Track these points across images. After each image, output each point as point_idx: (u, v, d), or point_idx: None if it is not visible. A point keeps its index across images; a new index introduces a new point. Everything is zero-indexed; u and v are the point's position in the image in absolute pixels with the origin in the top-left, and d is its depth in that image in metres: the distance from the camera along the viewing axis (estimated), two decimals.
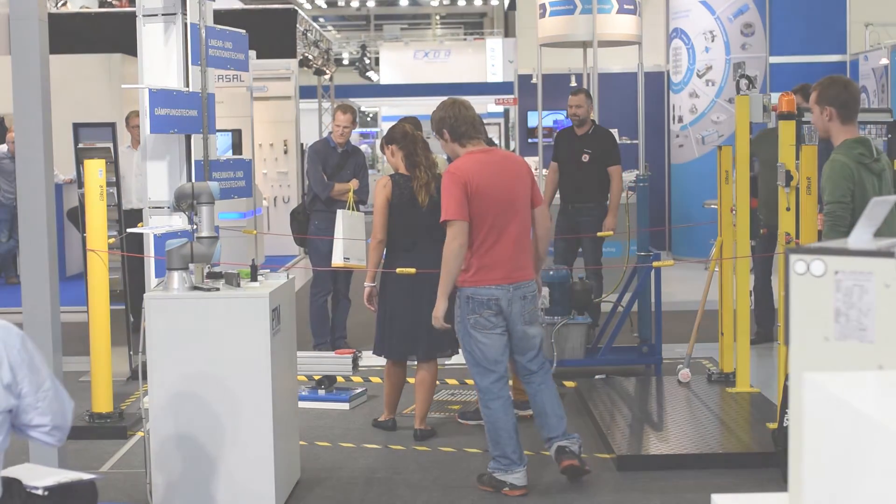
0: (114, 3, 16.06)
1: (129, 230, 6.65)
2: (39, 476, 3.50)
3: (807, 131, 6.14)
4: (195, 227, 5.45)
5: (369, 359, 7.24)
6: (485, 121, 7.16)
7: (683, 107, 13.65)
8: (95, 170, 6.56)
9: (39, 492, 3.38)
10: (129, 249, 7.39)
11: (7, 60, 5.58)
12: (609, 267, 9.06)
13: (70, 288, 9.50)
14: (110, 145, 7.82)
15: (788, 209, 5.82)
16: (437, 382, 6.70)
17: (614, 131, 10.27)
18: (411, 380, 6.66)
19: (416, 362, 6.43)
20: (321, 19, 39.14)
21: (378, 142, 22.91)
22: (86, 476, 3.62)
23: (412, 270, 6.21)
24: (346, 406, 7.02)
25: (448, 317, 5.39)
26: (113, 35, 12.98)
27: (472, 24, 43.66)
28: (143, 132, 6.38)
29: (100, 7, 16.04)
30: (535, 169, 12.69)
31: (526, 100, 14.83)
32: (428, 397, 6.40)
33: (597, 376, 7.47)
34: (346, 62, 39.75)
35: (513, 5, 23.32)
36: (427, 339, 6.23)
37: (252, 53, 11.01)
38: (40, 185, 5.51)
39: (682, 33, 13.58)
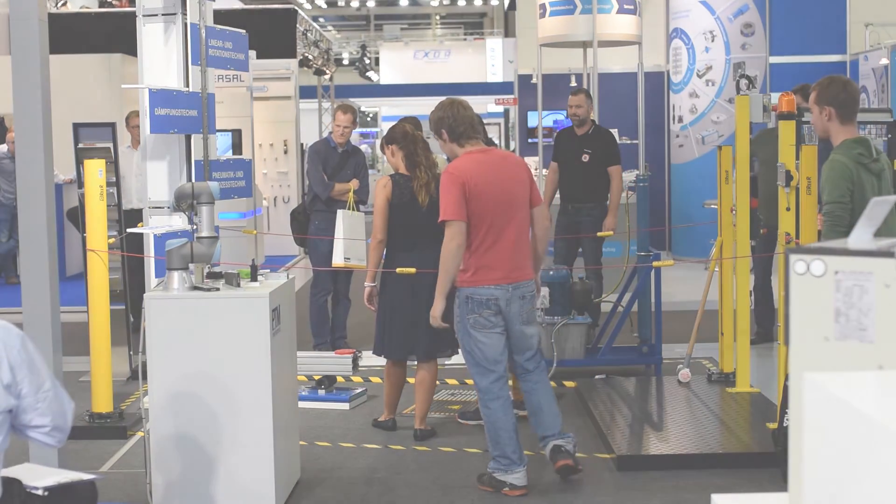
0: (114, 3, 16.06)
1: (129, 230, 6.65)
2: (39, 476, 3.50)
3: (807, 131, 6.15)
4: (195, 227, 5.45)
5: (369, 359, 7.24)
6: (485, 121, 7.16)
7: (683, 107, 13.65)
8: (95, 170, 6.56)
9: (39, 492, 3.39)
10: (129, 249, 7.39)
11: (7, 60, 5.58)
12: (609, 267, 9.06)
13: (70, 288, 9.50)
14: (110, 145, 7.82)
15: (788, 209, 5.82)
16: (437, 382, 6.69)
17: (614, 131, 10.27)
18: (411, 380, 6.66)
19: (416, 362, 6.43)
20: (321, 19, 39.14)
21: (378, 142, 22.91)
22: (86, 476, 3.62)
23: (412, 270, 6.21)
24: (346, 406, 7.02)
25: (446, 316, 5.40)
26: (113, 35, 12.98)
27: (472, 24, 43.67)
28: (143, 132, 6.37)
29: (100, 7, 16.04)
30: (535, 169, 12.70)
31: (526, 100, 14.83)
32: (428, 397, 6.40)
33: (597, 376, 7.47)
34: (346, 62, 39.75)
35: (513, 5, 23.32)
36: (427, 339, 6.23)
37: (252, 53, 11.02)
38: (40, 185, 5.51)
39: (682, 33, 13.58)
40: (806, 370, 1.78)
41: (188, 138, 6.44)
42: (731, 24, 13.09)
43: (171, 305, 4.92)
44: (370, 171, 10.35)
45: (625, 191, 8.75)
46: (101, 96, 12.89)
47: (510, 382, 6.70)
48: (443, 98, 5.66)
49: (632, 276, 8.14)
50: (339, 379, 7.33)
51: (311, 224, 8.45)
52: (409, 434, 6.36)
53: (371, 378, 7.71)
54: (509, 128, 28.08)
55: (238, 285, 5.06)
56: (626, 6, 11.94)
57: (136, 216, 7.62)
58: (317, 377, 7.16)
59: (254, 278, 5.19)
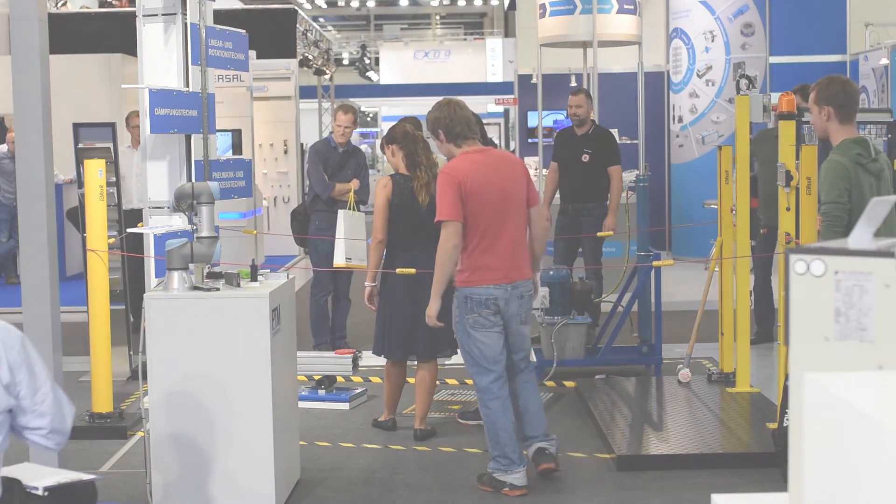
0: (114, 3, 16.06)
1: (129, 230, 6.65)
2: (39, 476, 3.50)
3: (807, 131, 6.15)
4: (195, 227, 5.45)
5: (369, 359, 7.24)
6: (485, 121, 7.17)
7: (683, 107, 13.66)
8: (95, 170, 6.56)
9: (39, 492, 3.38)
10: (129, 249, 7.39)
11: (7, 60, 5.58)
12: (609, 267, 9.06)
13: (70, 288, 9.50)
14: (110, 145, 7.82)
15: (788, 209, 5.82)
16: (437, 382, 6.69)
17: (614, 131, 10.27)
18: (411, 380, 6.66)
19: (416, 362, 6.43)
20: (321, 19, 39.13)
21: (378, 142, 22.90)
22: (86, 476, 3.62)
23: (412, 271, 6.21)
24: (346, 406, 7.02)
25: (442, 316, 5.40)
26: (113, 35, 12.98)
27: (472, 24, 43.66)
28: (143, 132, 6.38)
29: (100, 7, 16.03)
30: (535, 169, 12.70)
31: (526, 100, 14.83)
32: (428, 397, 6.40)
33: (597, 376, 7.47)
34: (346, 62, 39.75)
35: (513, 5, 23.32)
36: (427, 339, 6.23)
37: (252, 53, 11.02)
38: (40, 185, 5.51)
39: (682, 33, 13.58)
40: (806, 370, 1.78)
41: (188, 138, 6.44)
42: (731, 24, 13.09)
43: (171, 305, 4.92)
44: (370, 171, 10.35)
45: (625, 191, 8.75)
46: (101, 96, 12.89)
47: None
48: (442, 98, 5.66)
49: (632, 276, 8.14)
50: (339, 379, 7.33)
51: (312, 224, 8.45)
52: (409, 434, 6.36)
53: (371, 378, 7.71)
54: (509, 128, 28.08)
55: (238, 285, 5.06)
56: (626, 6, 11.94)
57: (136, 216, 7.62)
58: (317, 377, 7.16)
59: (254, 278, 5.19)
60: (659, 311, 7.69)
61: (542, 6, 12.18)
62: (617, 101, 13.36)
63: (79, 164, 7.34)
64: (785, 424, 5.06)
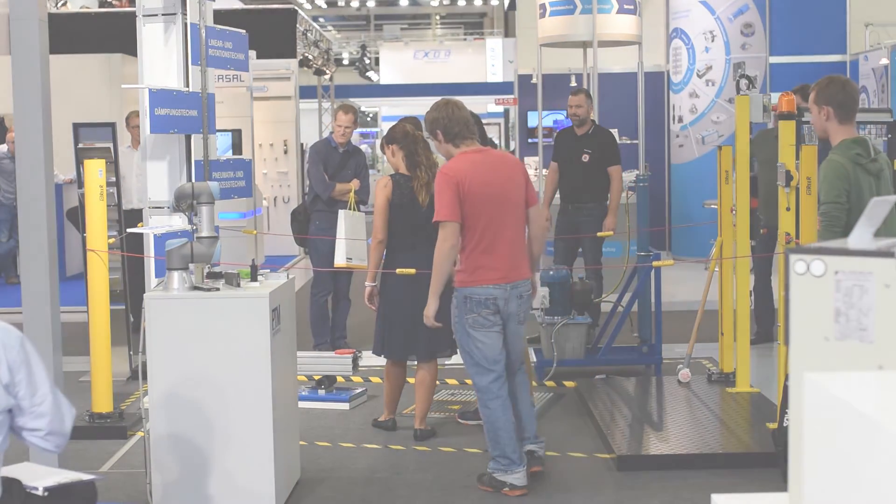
0: (114, 3, 16.06)
1: (129, 230, 6.65)
2: (39, 476, 3.50)
3: (807, 131, 6.14)
4: (195, 227, 5.45)
5: (369, 359, 7.24)
6: (485, 121, 7.17)
7: (683, 107, 13.65)
8: (95, 170, 6.56)
9: (39, 492, 3.38)
10: (129, 249, 7.39)
11: (7, 60, 5.58)
12: (609, 267, 9.06)
13: (70, 288, 9.50)
14: (110, 145, 7.82)
15: (788, 209, 5.82)
16: (437, 382, 6.69)
17: (614, 131, 10.27)
18: (411, 380, 6.65)
19: (416, 362, 6.43)
20: (321, 19, 39.14)
21: (378, 142, 22.90)
22: (85, 476, 3.62)
23: (412, 271, 6.21)
24: (346, 406, 7.02)
25: (440, 316, 5.40)
26: (113, 35, 12.97)
27: (472, 24, 43.66)
28: (143, 132, 6.38)
29: (100, 7, 16.04)
30: (535, 169, 12.69)
31: (526, 100, 14.83)
32: (428, 397, 6.40)
33: (597, 376, 7.47)
34: (346, 62, 39.75)
35: (513, 5, 23.32)
36: (427, 339, 6.23)
37: (252, 53, 11.02)
38: (40, 185, 5.51)
39: (682, 33, 13.58)
40: (806, 370, 1.78)
41: (188, 138, 6.44)
42: (731, 24, 13.09)
43: (171, 305, 4.92)
44: (370, 171, 10.35)
45: (625, 191, 8.75)
46: (101, 96, 12.89)
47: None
48: (447, 97, 5.66)
49: (632, 276, 8.14)
50: (339, 379, 7.33)
51: (312, 224, 8.45)
52: (409, 434, 6.36)
53: (371, 378, 7.71)
54: (509, 128, 28.08)
55: (238, 285, 5.06)
56: (626, 6, 11.93)
57: (136, 216, 7.62)
58: (317, 377, 7.16)
59: (254, 278, 5.19)
60: (659, 311, 7.69)
61: (542, 6, 12.18)
62: (617, 101, 13.36)
63: (79, 164, 7.34)
64: (785, 424, 5.06)
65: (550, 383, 7.52)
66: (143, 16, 6.41)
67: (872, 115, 7.29)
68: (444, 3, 39.08)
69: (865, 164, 5.06)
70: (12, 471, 3.47)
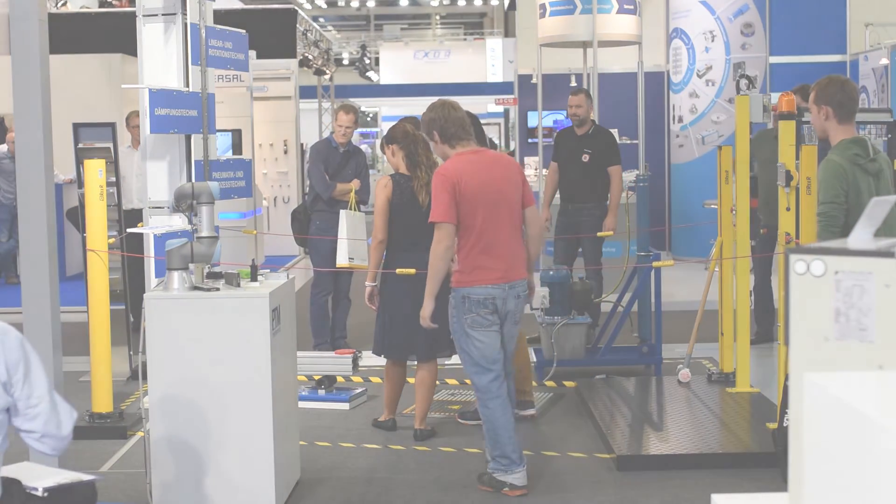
0: (114, 3, 16.06)
1: (129, 230, 6.65)
2: (39, 476, 3.49)
3: (807, 131, 6.14)
4: (195, 227, 5.45)
5: (369, 359, 7.24)
6: (485, 121, 7.17)
7: (683, 107, 13.65)
8: (95, 170, 6.56)
9: (39, 493, 3.38)
10: (129, 249, 7.39)
11: (7, 60, 5.58)
12: (609, 267, 9.06)
13: (70, 288, 9.51)
14: (110, 145, 7.82)
15: (788, 209, 5.82)
16: (437, 382, 6.69)
17: (614, 131, 10.26)
18: (411, 380, 6.66)
19: (416, 362, 6.43)
20: (321, 19, 39.14)
21: (378, 142, 22.91)
22: (86, 476, 3.61)
23: (412, 271, 6.21)
24: (346, 406, 7.02)
25: (437, 317, 5.40)
26: (113, 35, 12.98)
27: (472, 24, 43.66)
28: (143, 132, 6.38)
29: (100, 7, 16.04)
30: (535, 169, 12.69)
31: (526, 100, 14.83)
32: (428, 397, 6.40)
33: (597, 376, 7.47)
34: (346, 62, 39.74)
35: (513, 5, 23.31)
36: (427, 339, 6.23)
37: (252, 53, 11.02)
38: (40, 185, 5.51)
39: (682, 33, 13.58)
40: (806, 370, 1.78)
41: (188, 138, 6.44)
42: (731, 24, 13.09)
43: (171, 305, 4.92)
44: (370, 171, 10.35)
45: (625, 191, 8.75)
46: (101, 96, 12.89)
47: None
48: (443, 98, 5.66)
49: (632, 276, 8.14)
50: (339, 379, 7.33)
51: (312, 224, 8.45)
52: (409, 434, 6.36)
53: (371, 378, 7.71)
54: (509, 128, 28.08)
55: (238, 285, 5.06)
56: (626, 6, 11.93)
57: (136, 216, 7.62)
58: (317, 377, 7.16)
59: (254, 278, 5.19)
60: (659, 311, 7.69)
61: (542, 6, 12.18)
62: (617, 101, 13.36)
63: (79, 164, 7.34)
64: (785, 424, 5.06)
65: (550, 383, 7.52)
66: (143, 16, 6.42)
67: (872, 115, 7.29)
68: (444, 3, 39.08)
69: (864, 164, 5.06)
70: (12, 471, 3.47)
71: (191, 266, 5.03)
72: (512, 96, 16.39)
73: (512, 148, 19.19)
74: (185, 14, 6.30)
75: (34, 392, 3.19)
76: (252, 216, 13.40)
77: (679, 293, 10.32)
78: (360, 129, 30.20)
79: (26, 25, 5.45)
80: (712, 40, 13.20)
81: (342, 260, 7.78)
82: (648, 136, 13.21)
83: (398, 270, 6.28)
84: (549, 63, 12.82)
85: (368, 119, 39.75)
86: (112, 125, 8.00)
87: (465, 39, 40.03)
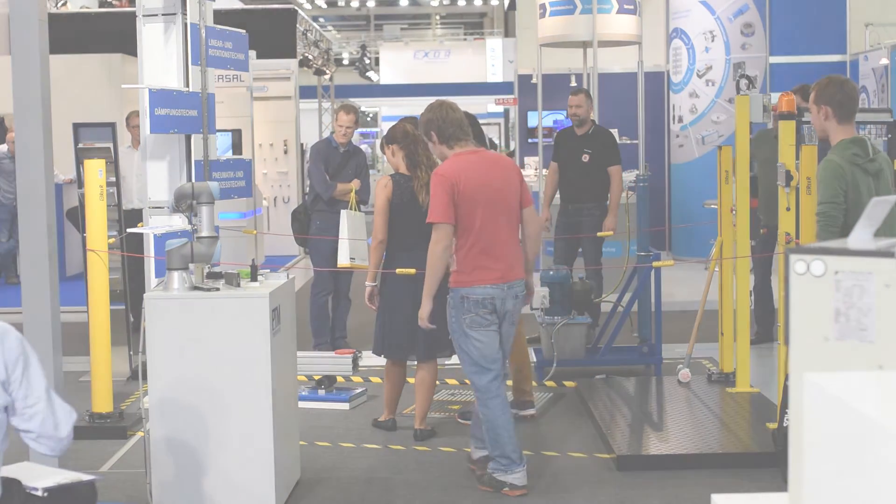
0: (114, 3, 16.07)
1: (129, 230, 6.65)
2: (39, 476, 3.49)
3: (807, 131, 6.14)
4: (195, 227, 5.45)
5: (369, 359, 7.24)
6: (485, 121, 7.17)
7: (683, 107, 13.65)
8: (95, 170, 6.56)
9: (39, 493, 3.38)
10: (129, 249, 7.39)
11: (7, 60, 5.58)
12: (609, 267, 9.06)
13: (70, 288, 9.50)
14: (110, 145, 7.82)
15: (788, 209, 5.82)
16: (437, 382, 6.69)
17: (614, 131, 10.27)
18: (411, 380, 6.66)
19: (416, 362, 6.43)
20: (321, 19, 39.14)
21: (378, 142, 22.91)
22: (86, 476, 3.61)
23: (412, 271, 6.21)
24: (346, 406, 7.02)
25: (435, 317, 5.40)
26: (113, 35, 12.98)
27: (472, 24, 43.66)
28: (144, 132, 6.38)
29: (100, 7, 16.04)
30: (535, 169, 12.69)
31: (526, 100, 14.83)
32: (428, 397, 6.40)
33: (597, 376, 7.47)
34: (346, 62, 39.75)
35: (513, 5, 23.31)
36: (427, 339, 6.23)
37: (252, 53, 11.02)
38: (40, 185, 5.51)
39: (682, 33, 13.58)
40: (806, 370, 1.78)
41: (188, 138, 6.44)
42: (731, 24, 13.08)
43: (171, 305, 4.92)
44: (370, 171, 10.35)
45: (625, 191, 8.75)
46: (101, 96, 12.89)
47: (509, 383, 6.72)
48: (441, 98, 5.66)
49: (632, 276, 8.14)
50: (339, 379, 7.33)
51: (313, 224, 8.45)
52: (409, 434, 6.36)
53: (371, 378, 7.71)
54: (509, 128, 28.08)
55: (238, 285, 5.06)
56: (626, 6, 11.93)
57: (136, 216, 7.62)
58: (317, 377, 7.16)
59: (254, 278, 5.19)
60: (659, 311, 7.69)
61: (542, 6, 12.18)
62: (617, 101, 13.36)
63: (79, 164, 7.34)
64: (785, 424, 5.06)
65: (550, 383, 7.52)
66: (143, 16, 6.42)
67: (872, 115, 7.29)
68: (444, 3, 39.07)
69: (863, 164, 5.06)
70: (12, 471, 3.47)
71: (191, 266, 5.03)
72: (512, 96, 16.39)
73: (512, 148, 19.19)
74: (185, 14, 6.30)
75: (31, 392, 3.19)
76: (252, 216, 13.41)
77: (679, 293, 10.32)
78: (360, 129, 30.19)
79: (26, 25, 5.45)
80: (712, 40, 13.20)
81: (343, 260, 7.78)
82: (648, 136, 13.21)
83: (398, 270, 6.28)
84: (549, 63, 12.83)
85: (368, 119, 39.75)
86: (112, 125, 8.00)
87: (465, 39, 40.04)
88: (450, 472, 5.72)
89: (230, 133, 13.49)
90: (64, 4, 15.77)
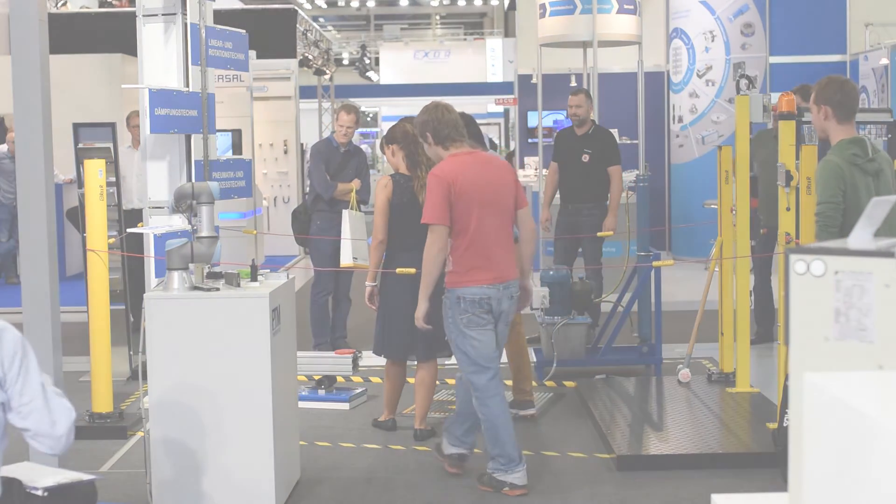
0: (114, 3, 16.07)
1: (129, 230, 6.65)
2: (39, 476, 3.49)
3: (807, 131, 6.14)
4: (194, 227, 5.45)
5: (369, 359, 7.24)
6: (485, 121, 7.17)
7: (683, 107, 13.65)
8: (95, 170, 6.56)
9: (39, 492, 3.38)
10: (129, 249, 7.39)
11: (7, 60, 5.58)
12: (609, 267, 9.06)
13: (70, 288, 9.50)
14: (110, 145, 7.82)
15: (788, 209, 5.82)
16: (437, 382, 6.69)
17: (614, 131, 10.26)
18: (411, 380, 6.66)
19: (416, 362, 6.43)
20: (321, 19, 39.13)
21: (378, 142, 22.91)
22: (86, 476, 3.61)
23: (412, 271, 6.21)
24: (346, 406, 7.02)
25: (433, 317, 5.41)
26: (113, 35, 12.98)
27: (472, 24, 43.66)
28: (144, 132, 6.38)
29: (100, 7, 16.04)
30: (535, 169, 12.68)
31: (526, 100, 14.83)
32: (428, 397, 6.40)
33: (597, 376, 7.47)
34: (346, 62, 39.74)
35: (513, 5, 23.31)
36: (427, 339, 6.22)
37: (252, 53, 11.02)
38: (40, 185, 5.51)
39: (682, 33, 13.58)
40: (806, 370, 1.78)
41: (188, 138, 6.45)
42: (731, 24, 13.09)
43: (171, 305, 4.92)
44: (370, 171, 10.35)
45: (625, 191, 8.75)
46: (101, 96, 12.89)
47: (509, 382, 6.72)
48: (441, 99, 5.67)
49: (632, 276, 8.14)
50: (339, 379, 7.33)
51: (313, 224, 8.45)
52: (409, 434, 6.36)
53: (371, 378, 7.71)
54: (509, 128, 28.07)
55: (238, 285, 5.06)
56: (626, 6, 11.93)
57: (136, 216, 7.62)
58: (317, 377, 7.16)
59: (254, 278, 5.19)
60: (659, 311, 7.69)
61: (542, 6, 12.18)
62: (617, 101, 13.36)
63: (79, 164, 7.34)
64: (785, 424, 5.06)
65: (550, 383, 7.52)
66: (143, 16, 6.42)
67: (872, 115, 7.29)
68: (444, 3, 39.07)
69: (862, 164, 5.06)
70: (12, 471, 3.47)
71: (191, 266, 5.03)
72: (512, 96, 16.39)
73: (512, 148, 19.19)
74: (185, 14, 6.31)
75: (26, 389, 3.18)
76: (252, 216, 13.41)
77: (679, 293, 10.32)
78: (360, 129, 30.18)
79: (26, 25, 5.45)
80: (712, 40, 13.20)
81: (347, 260, 7.78)
82: (648, 136, 13.21)
83: (398, 270, 6.28)
84: (549, 63, 12.82)
85: (368, 119, 39.75)
86: (112, 125, 8.00)
87: (465, 39, 40.03)
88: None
89: (230, 133, 13.49)
90: (64, 4, 15.76)
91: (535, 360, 7.59)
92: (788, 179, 5.79)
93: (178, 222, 6.03)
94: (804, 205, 5.66)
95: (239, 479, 4.90)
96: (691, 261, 12.35)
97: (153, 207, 6.44)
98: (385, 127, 30.25)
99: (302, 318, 6.97)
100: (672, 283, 10.08)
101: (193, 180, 6.21)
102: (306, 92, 18.75)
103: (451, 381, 7.69)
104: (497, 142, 27.50)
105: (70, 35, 13.37)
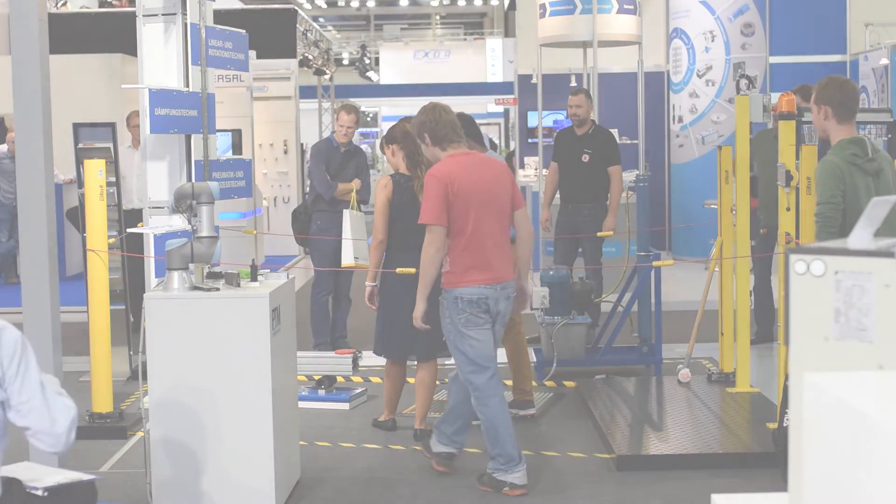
0: (114, 3, 16.07)
1: (129, 230, 6.65)
2: (39, 476, 3.49)
3: (807, 131, 6.15)
4: (194, 227, 5.45)
5: (369, 359, 7.24)
6: (485, 121, 7.17)
7: (683, 107, 13.65)
8: (95, 170, 6.56)
9: (39, 492, 3.38)
10: (129, 249, 7.39)
11: (7, 60, 5.58)
12: (609, 267, 9.06)
13: (70, 288, 9.50)
14: (110, 145, 7.82)
15: (788, 209, 5.82)
16: (437, 382, 6.69)
17: (614, 131, 10.27)
18: (411, 380, 6.66)
19: (416, 362, 6.43)
20: (321, 19, 39.14)
21: (378, 142, 22.90)
22: (86, 476, 3.61)
23: (412, 270, 6.20)
24: (346, 406, 7.02)
25: (432, 317, 5.41)
26: (113, 35, 12.98)
27: (472, 24, 43.66)
28: (144, 132, 6.37)
29: (100, 7, 16.04)
30: (535, 169, 12.68)
31: (526, 100, 14.83)
32: (428, 397, 6.40)
33: (597, 376, 7.47)
34: (346, 62, 39.74)
35: (513, 5, 23.31)
36: (427, 339, 6.22)
37: (252, 53, 11.02)
38: (40, 185, 5.51)
39: (682, 33, 13.58)
40: (806, 370, 1.78)
41: (188, 138, 6.44)
42: (731, 24, 13.09)
43: (171, 305, 4.92)
44: (371, 171, 10.35)
45: (625, 191, 8.75)
46: (101, 96, 12.89)
47: (509, 383, 6.72)
48: (443, 98, 5.68)
49: (632, 276, 8.14)
50: (339, 379, 7.33)
51: (313, 224, 8.45)
52: (409, 434, 6.36)
53: (371, 378, 7.71)
54: (509, 128, 28.07)
55: (238, 285, 5.06)
56: (626, 6, 11.92)
57: (136, 216, 7.62)
58: (317, 377, 7.16)
59: (254, 278, 5.19)
60: (659, 311, 7.69)
61: (542, 6, 12.17)
62: (617, 101, 13.36)
63: (79, 164, 7.34)
64: (785, 424, 5.06)
65: (550, 383, 7.52)
66: (143, 16, 6.41)
67: (872, 115, 7.29)
68: (444, 3, 39.07)
69: (862, 164, 5.06)
70: (12, 471, 3.47)
71: (191, 266, 5.03)
72: (512, 96, 16.39)
73: (512, 148, 19.19)
74: (185, 14, 6.30)
75: (25, 388, 3.18)
76: (252, 216, 13.41)
77: (679, 293, 10.32)
78: (360, 129, 30.16)
79: (26, 25, 5.45)
80: (712, 40, 13.20)
81: (348, 260, 7.78)
82: (648, 136, 13.20)
83: (398, 270, 6.28)
84: (549, 63, 12.82)
85: (368, 119, 39.75)
86: (112, 125, 8.00)
87: (465, 39, 40.03)
88: (450, 472, 5.72)
89: (230, 133, 13.49)
90: (64, 4, 15.76)
91: (535, 360, 7.59)
92: (788, 179, 5.79)
93: (178, 222, 6.03)
94: (804, 205, 5.66)
95: (239, 479, 4.90)
96: (691, 261, 12.35)
97: (153, 207, 6.43)
98: (385, 127, 30.24)
99: (302, 318, 6.97)
100: (672, 283, 10.07)
101: (193, 180, 6.21)
102: (306, 92, 18.75)
103: None
104: (497, 142, 27.49)
105: (70, 35, 13.36)
